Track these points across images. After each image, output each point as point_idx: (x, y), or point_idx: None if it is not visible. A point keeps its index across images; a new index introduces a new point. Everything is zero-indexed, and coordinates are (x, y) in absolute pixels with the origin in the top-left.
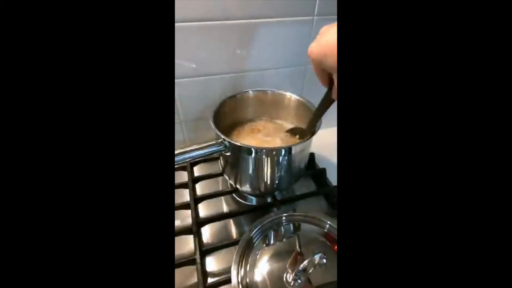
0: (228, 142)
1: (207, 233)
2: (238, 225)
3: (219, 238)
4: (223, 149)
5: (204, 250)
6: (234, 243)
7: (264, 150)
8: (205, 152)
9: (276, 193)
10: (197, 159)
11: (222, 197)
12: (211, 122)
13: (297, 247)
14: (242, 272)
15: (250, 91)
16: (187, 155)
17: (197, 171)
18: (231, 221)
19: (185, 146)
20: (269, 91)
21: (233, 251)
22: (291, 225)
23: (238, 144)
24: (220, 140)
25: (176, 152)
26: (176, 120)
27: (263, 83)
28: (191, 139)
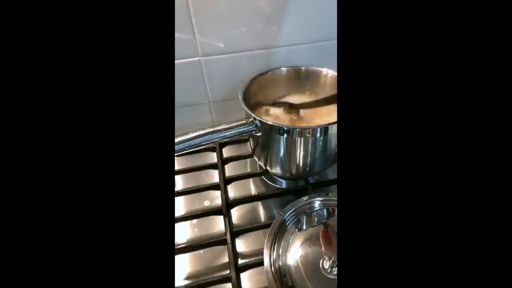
0: (259, 121)
1: (236, 215)
2: (267, 209)
3: (248, 220)
4: (253, 129)
5: (235, 231)
6: (266, 225)
7: (297, 130)
8: (235, 132)
9: (309, 177)
10: (225, 140)
11: (251, 180)
12: (240, 99)
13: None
14: (274, 255)
15: (282, 68)
16: (215, 135)
17: (225, 153)
18: (260, 204)
19: (214, 126)
20: (303, 68)
21: (263, 235)
22: (325, 210)
23: (270, 123)
24: (250, 120)
25: (204, 131)
26: (204, 101)
27: (295, 59)
28: (219, 120)
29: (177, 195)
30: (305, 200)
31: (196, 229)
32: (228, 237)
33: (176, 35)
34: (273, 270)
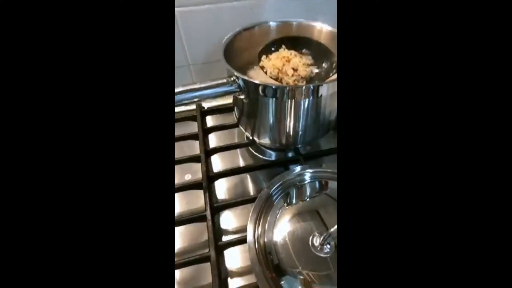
0: (242, 80)
1: (222, 189)
2: (256, 182)
3: (234, 195)
4: (236, 89)
5: (216, 207)
6: (251, 200)
7: (287, 89)
8: (214, 92)
9: (299, 147)
10: (205, 102)
11: (238, 151)
12: (221, 54)
13: None
14: (259, 231)
15: (270, 22)
16: (191, 94)
17: (210, 122)
18: (248, 177)
19: (187, 84)
20: (294, 22)
21: (248, 211)
22: (317, 183)
23: (254, 81)
24: (232, 79)
25: (178, 89)
26: (183, 64)
27: (285, 12)
28: None
29: None
30: (296, 172)
31: (176, 205)
32: (208, 213)
33: None
34: (257, 247)
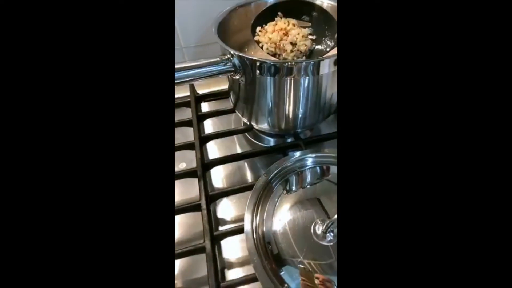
0: (238, 57)
1: (219, 177)
2: (254, 169)
3: (231, 183)
4: (230, 69)
5: (211, 195)
6: (248, 187)
7: (286, 66)
8: (207, 71)
9: (299, 132)
10: (203, 95)
11: (235, 138)
12: (214, 32)
13: None
14: (257, 220)
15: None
16: (182, 73)
17: (205, 108)
18: (246, 164)
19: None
20: None
21: (245, 200)
22: (318, 168)
23: (251, 57)
24: (227, 57)
25: None
26: (176, 47)
27: None
28: None
29: None
30: (295, 158)
31: None
32: (203, 201)
33: None
34: (255, 237)
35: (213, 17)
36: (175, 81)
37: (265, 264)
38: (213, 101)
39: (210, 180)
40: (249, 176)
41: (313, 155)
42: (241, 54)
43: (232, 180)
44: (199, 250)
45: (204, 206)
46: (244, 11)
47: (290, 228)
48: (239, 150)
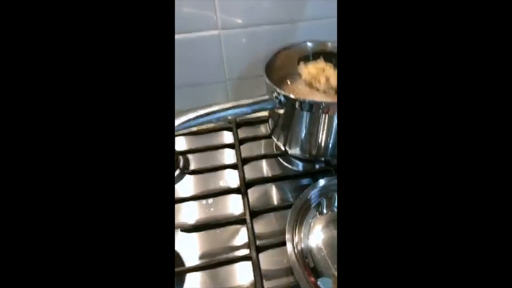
0: (284, 96)
1: (251, 196)
2: (283, 191)
3: (263, 202)
4: (276, 105)
5: (254, 211)
6: (283, 207)
7: (323, 104)
8: (257, 108)
9: (331, 159)
10: (247, 116)
11: (264, 161)
12: (263, 74)
13: None
14: (296, 237)
15: (308, 42)
16: (236, 111)
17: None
18: (276, 186)
19: (237, 100)
20: (329, 43)
21: (278, 217)
22: None
23: (294, 97)
24: (274, 95)
25: (223, 106)
26: (221, 80)
27: (318, 35)
28: (236, 99)
29: (192, 173)
30: (325, 183)
31: (212, 209)
32: (248, 216)
33: (195, 5)
34: (296, 251)
35: (254, 55)
36: (233, 116)
37: (305, 275)
38: (246, 127)
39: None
40: (278, 196)
41: None
42: (286, 94)
43: (264, 198)
44: (245, 258)
45: (248, 220)
46: (285, 53)
47: (324, 245)
48: (269, 172)
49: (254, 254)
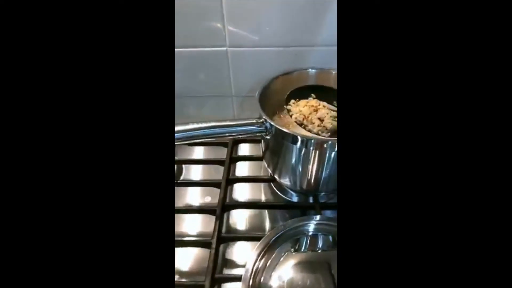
0: (270, 124)
1: (238, 219)
2: (272, 219)
3: (247, 228)
4: (263, 131)
5: (223, 237)
6: (257, 238)
7: (312, 141)
8: (241, 130)
9: (321, 194)
10: (232, 137)
11: (262, 185)
12: (256, 97)
13: None
14: (258, 267)
15: (310, 70)
16: (218, 130)
17: (242, 150)
18: (266, 212)
19: (221, 120)
20: (333, 72)
21: (252, 247)
22: (330, 238)
23: (281, 129)
24: (261, 120)
25: (211, 124)
26: (227, 94)
27: (329, 61)
28: (241, 117)
29: (178, 185)
30: (311, 220)
31: (184, 225)
32: (214, 241)
33: (206, 22)
34: (250, 283)
35: (261, 74)
36: (214, 136)
37: None
38: (253, 144)
39: (229, 218)
40: (266, 223)
41: (330, 223)
42: (273, 124)
43: (249, 223)
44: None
45: (213, 245)
46: (287, 78)
47: (287, 285)
48: (262, 197)
49: (207, 284)
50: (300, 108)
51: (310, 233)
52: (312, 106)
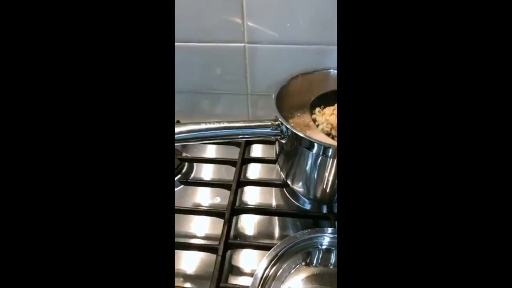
0: (286, 127)
1: (246, 223)
2: (283, 226)
3: (258, 234)
4: (278, 134)
5: (230, 243)
6: (267, 247)
7: (331, 149)
8: (256, 132)
9: (336, 204)
10: (246, 139)
11: (273, 189)
12: (273, 98)
13: None
14: (267, 276)
15: (331, 70)
16: (231, 131)
17: (255, 151)
18: (277, 219)
19: (233, 121)
20: None
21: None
22: None
23: (298, 133)
24: (277, 123)
25: (223, 125)
26: (242, 92)
27: None
28: (256, 116)
29: (186, 184)
30: (325, 232)
31: (190, 225)
32: (221, 247)
33: (224, 16)
34: None
35: (280, 73)
36: (226, 138)
37: None
38: (267, 145)
39: (238, 222)
40: (276, 231)
41: None
42: (289, 127)
43: (258, 229)
44: None
45: (220, 252)
46: (307, 78)
47: None
48: (273, 201)
49: None
50: (327, 117)
51: (324, 247)
52: None
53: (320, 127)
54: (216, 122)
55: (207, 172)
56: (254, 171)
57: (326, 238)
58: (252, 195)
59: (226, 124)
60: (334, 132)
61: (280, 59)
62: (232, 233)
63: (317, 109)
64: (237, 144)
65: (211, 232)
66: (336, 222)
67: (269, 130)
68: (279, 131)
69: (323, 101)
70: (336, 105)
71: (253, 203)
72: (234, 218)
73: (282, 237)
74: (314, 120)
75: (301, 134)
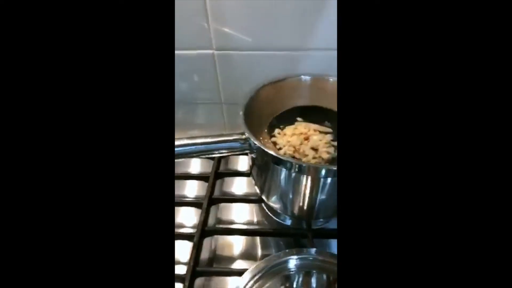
0: (254, 143)
1: (220, 243)
2: (264, 245)
3: (233, 255)
4: (247, 148)
5: (198, 271)
6: (239, 272)
7: (305, 167)
8: (222, 147)
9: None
10: (213, 156)
11: (241, 204)
12: (241, 111)
13: None
14: None
15: (302, 76)
16: (193, 148)
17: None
18: (242, 239)
19: (194, 137)
20: (331, 79)
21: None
22: (324, 276)
23: (267, 151)
24: (244, 137)
25: (183, 142)
26: (216, 101)
27: (331, 67)
28: (233, 125)
29: None
30: (302, 253)
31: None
32: (188, 277)
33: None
34: None
35: (253, 81)
36: (188, 156)
37: None
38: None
39: (211, 243)
40: (254, 251)
41: (328, 260)
42: (257, 143)
43: (234, 250)
44: None
45: (187, 283)
46: (278, 85)
47: None
48: (251, 217)
49: None
50: (288, 138)
51: (303, 271)
52: (302, 133)
53: (282, 151)
54: (179, 139)
55: (180, 188)
56: (230, 185)
57: (308, 261)
58: (227, 211)
59: (186, 141)
60: (297, 155)
61: (252, 67)
62: (203, 256)
63: (277, 130)
64: (211, 157)
65: (177, 257)
66: (313, 240)
67: (238, 144)
68: (247, 145)
69: (282, 121)
70: (296, 123)
71: (228, 219)
72: (205, 240)
73: (262, 257)
74: (275, 143)
75: (271, 152)
